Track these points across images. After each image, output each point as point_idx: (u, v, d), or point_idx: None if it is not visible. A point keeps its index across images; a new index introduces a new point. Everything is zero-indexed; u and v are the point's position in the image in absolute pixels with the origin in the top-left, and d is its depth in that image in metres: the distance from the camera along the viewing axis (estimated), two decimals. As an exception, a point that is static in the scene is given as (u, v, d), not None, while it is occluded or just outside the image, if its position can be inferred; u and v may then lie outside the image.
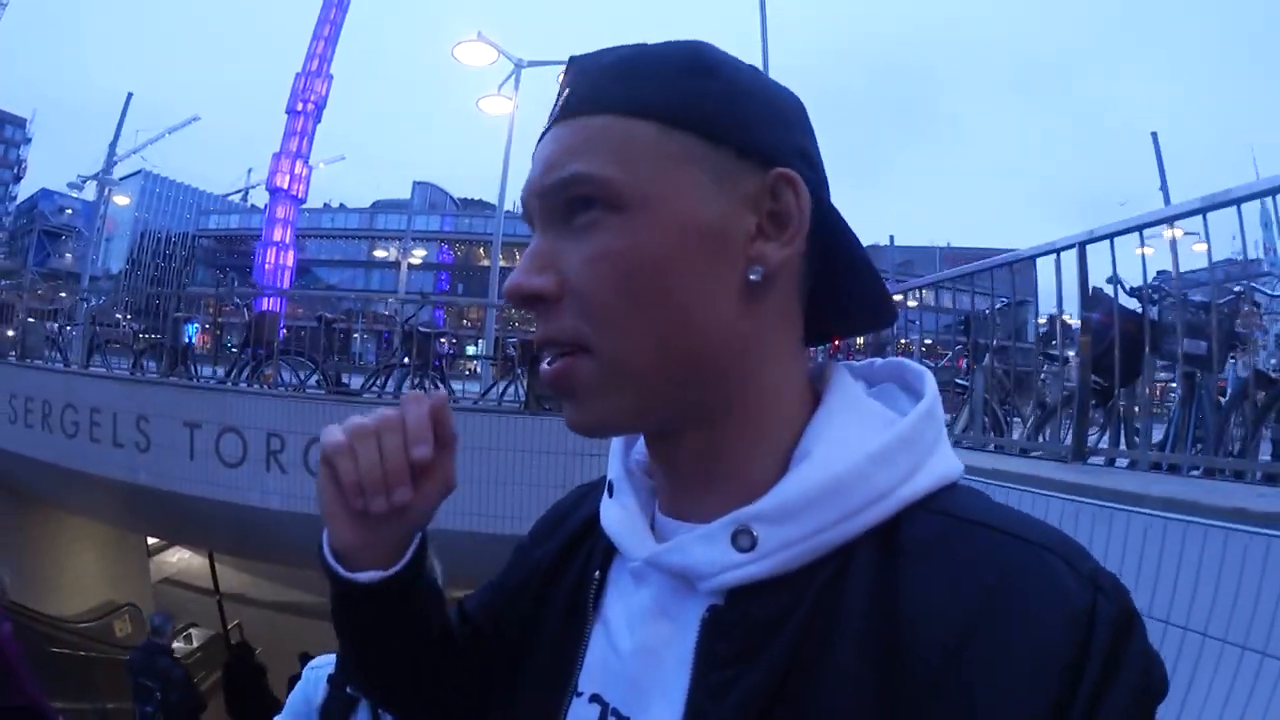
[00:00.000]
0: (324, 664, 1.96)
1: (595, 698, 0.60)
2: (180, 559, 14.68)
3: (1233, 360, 4.12)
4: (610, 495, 0.66)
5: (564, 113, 0.58)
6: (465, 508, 6.18)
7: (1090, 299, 3.99)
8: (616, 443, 0.69)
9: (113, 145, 32.26)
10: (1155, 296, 4.20)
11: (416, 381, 7.48)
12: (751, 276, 0.55)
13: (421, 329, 7.83)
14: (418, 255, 53.57)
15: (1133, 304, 4.16)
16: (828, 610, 0.50)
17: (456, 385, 8.85)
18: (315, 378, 7.65)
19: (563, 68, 0.62)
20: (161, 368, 8.30)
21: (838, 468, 0.52)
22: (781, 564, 0.52)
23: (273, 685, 9.25)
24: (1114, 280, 4.17)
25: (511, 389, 7.39)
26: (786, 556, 0.52)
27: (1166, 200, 23.88)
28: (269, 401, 7.04)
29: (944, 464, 0.55)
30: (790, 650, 0.50)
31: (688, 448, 0.59)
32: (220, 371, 8.47)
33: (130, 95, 31.56)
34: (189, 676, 7.33)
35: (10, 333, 10.77)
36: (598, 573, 0.65)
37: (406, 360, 7.64)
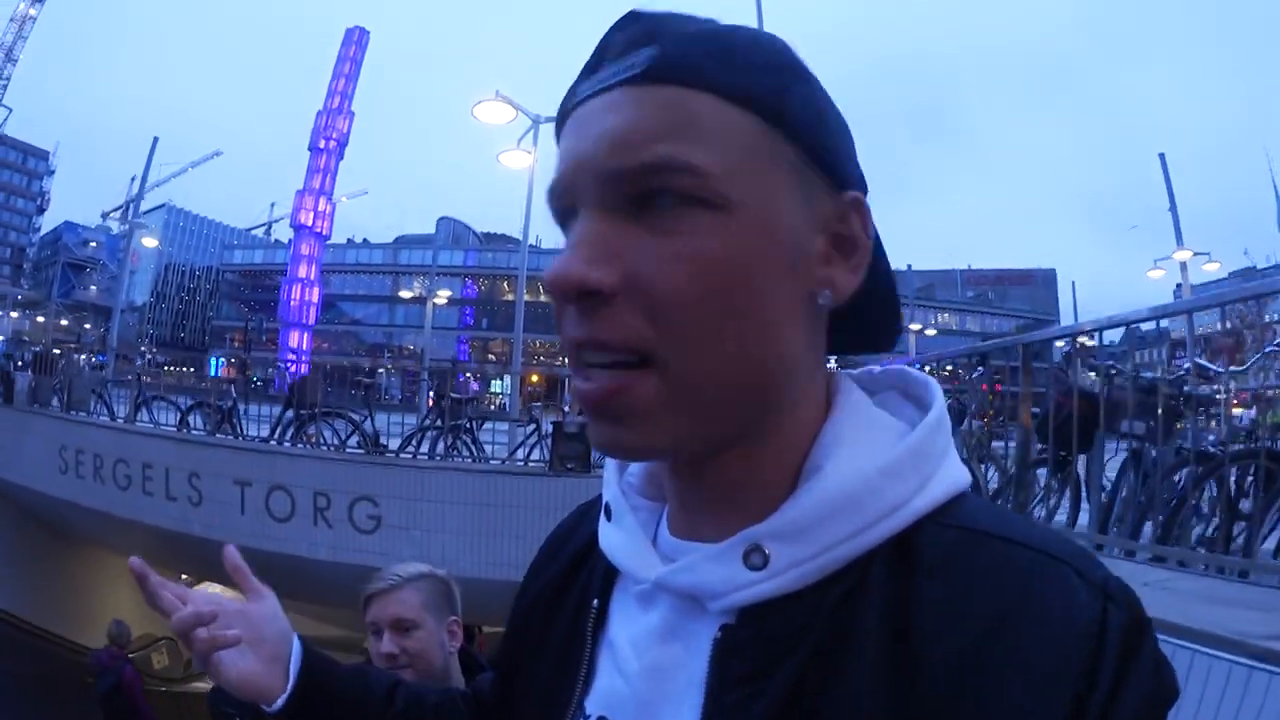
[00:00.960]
0: None
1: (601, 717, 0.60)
2: (214, 593, 14.92)
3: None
4: (609, 519, 0.65)
5: (645, 76, 0.51)
6: (497, 558, 6.78)
7: (1052, 377, 4.53)
8: (611, 463, 0.67)
9: (140, 192, 33.09)
10: (1112, 373, 4.68)
11: (450, 443, 8.07)
12: (820, 300, 0.54)
13: (454, 395, 8.42)
14: (443, 295, 54.05)
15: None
16: (841, 626, 0.50)
17: (485, 432, 9.39)
18: (355, 437, 8.24)
19: (617, 19, 0.54)
20: (209, 426, 8.92)
21: (849, 483, 0.52)
22: (794, 581, 0.51)
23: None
24: (1072, 363, 4.67)
25: (535, 450, 7.94)
26: (799, 574, 0.51)
27: (1175, 222, 24.22)
28: (315, 463, 7.66)
29: (953, 474, 0.54)
30: (804, 668, 0.50)
31: (717, 471, 0.56)
32: (251, 407, 9.14)
33: (156, 140, 32.27)
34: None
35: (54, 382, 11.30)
36: (596, 600, 0.64)
37: (440, 423, 8.25)
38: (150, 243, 57.95)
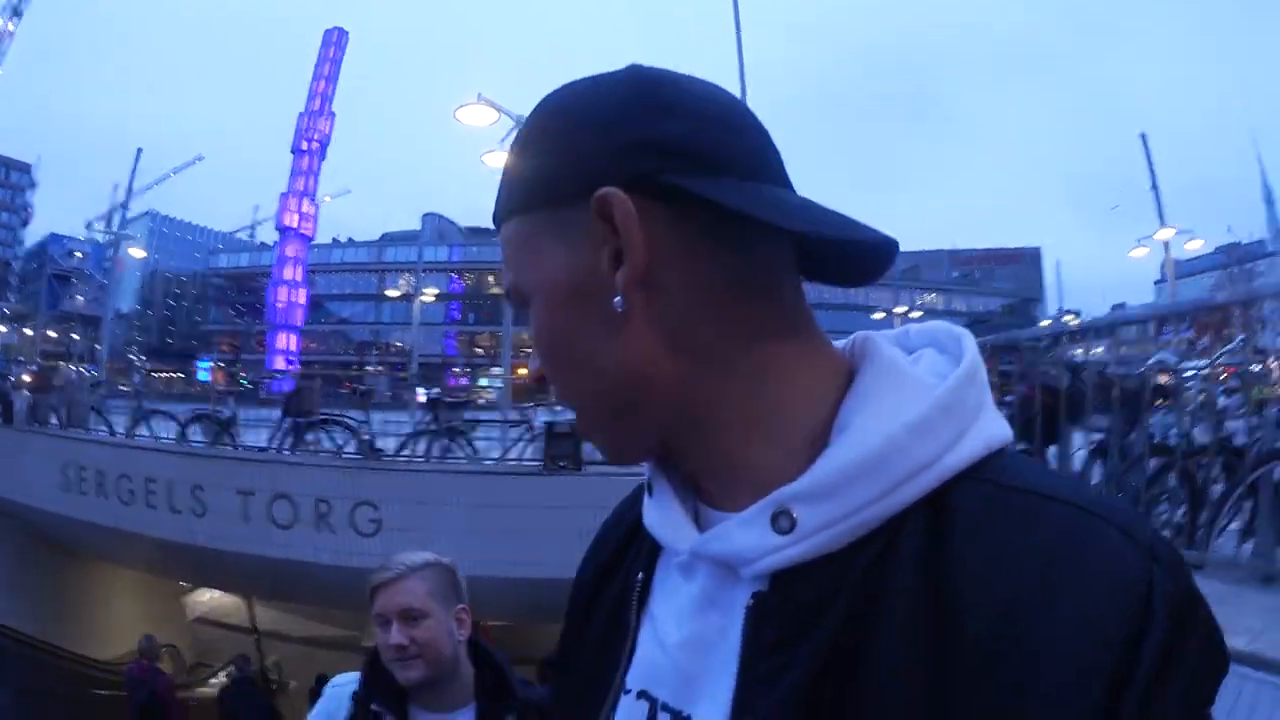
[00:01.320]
0: (345, 682, 1.99)
1: (643, 694, 0.61)
2: (210, 598, 15.27)
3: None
4: (650, 495, 0.66)
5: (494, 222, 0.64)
6: (495, 556, 6.98)
7: (1020, 374, 4.77)
8: None
9: (125, 200, 33.11)
10: (1076, 367, 4.92)
11: (445, 445, 8.31)
12: (616, 308, 0.55)
13: (448, 399, 8.66)
14: (430, 293, 53.64)
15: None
16: (874, 589, 0.50)
17: (476, 425, 9.60)
18: (353, 443, 8.47)
19: None
20: (209, 437, 9.14)
21: (873, 441, 0.52)
22: (823, 544, 0.52)
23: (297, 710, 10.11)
24: (1039, 359, 4.90)
25: (529, 449, 8.19)
26: (828, 536, 0.51)
27: (1158, 201, 24.58)
28: (315, 470, 7.90)
29: (990, 428, 0.54)
30: (837, 633, 0.50)
31: (695, 456, 0.60)
32: (248, 413, 9.36)
33: (140, 151, 32.33)
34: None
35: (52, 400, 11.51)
36: (641, 574, 0.66)
37: (435, 425, 8.48)
38: (137, 253, 57.87)
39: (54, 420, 11.05)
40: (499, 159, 14.59)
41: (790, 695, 0.50)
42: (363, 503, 7.63)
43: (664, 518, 0.63)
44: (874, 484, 0.51)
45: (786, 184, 0.59)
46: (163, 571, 11.44)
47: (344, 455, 8.43)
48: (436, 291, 66.76)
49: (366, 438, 8.50)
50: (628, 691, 0.62)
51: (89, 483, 9.39)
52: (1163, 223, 23.55)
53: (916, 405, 0.53)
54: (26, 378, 13.09)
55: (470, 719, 1.86)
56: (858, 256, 0.61)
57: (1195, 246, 28.52)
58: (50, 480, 9.75)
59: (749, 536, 0.54)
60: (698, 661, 0.58)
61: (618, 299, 0.55)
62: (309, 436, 8.61)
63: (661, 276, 0.55)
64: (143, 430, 10.09)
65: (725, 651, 0.56)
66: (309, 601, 11.40)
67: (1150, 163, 25.26)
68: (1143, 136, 26.35)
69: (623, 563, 0.71)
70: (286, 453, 8.56)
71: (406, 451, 8.43)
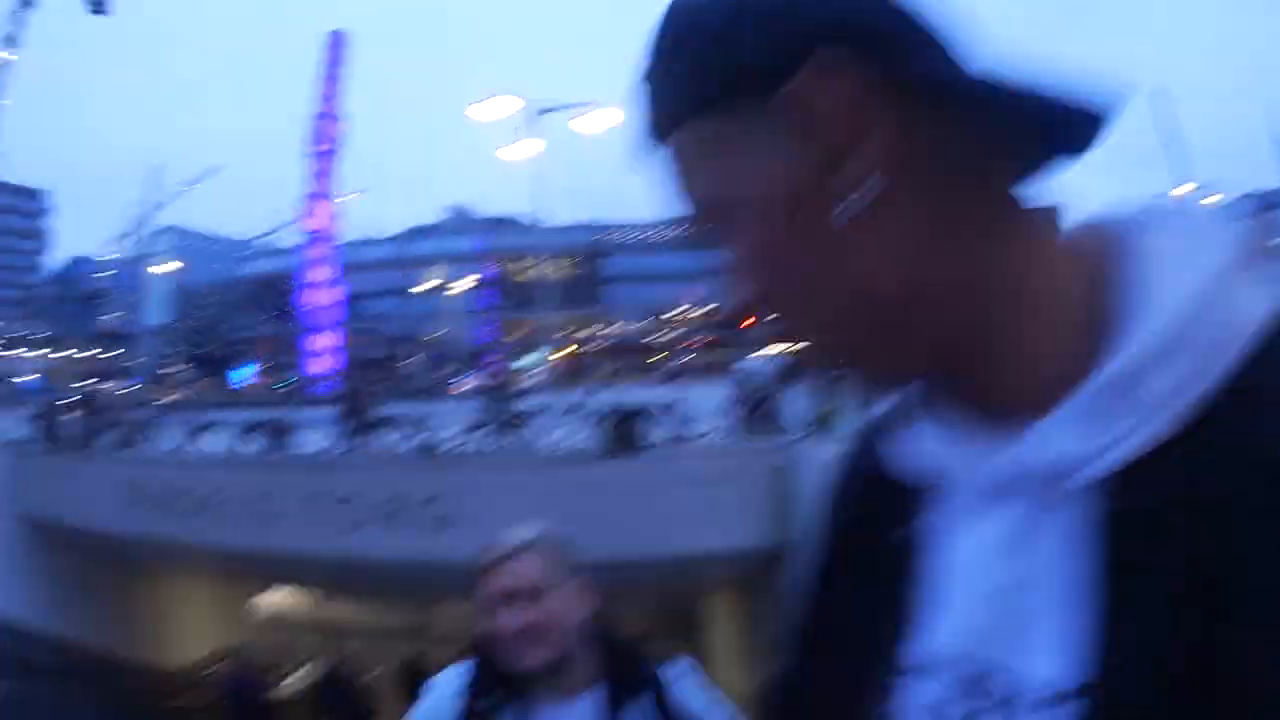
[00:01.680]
0: (447, 680, 1.82)
1: (938, 665, 0.51)
2: (275, 599, 15.52)
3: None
4: (909, 428, 0.56)
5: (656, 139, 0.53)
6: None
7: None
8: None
9: (147, 216, 33.91)
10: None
11: (503, 435, 8.54)
12: (838, 223, 0.47)
13: (495, 384, 8.86)
14: (466, 282, 53.04)
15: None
16: (1227, 479, 0.40)
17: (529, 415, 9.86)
18: (411, 440, 8.75)
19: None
20: (269, 445, 9.46)
21: (1198, 283, 0.44)
22: (1165, 426, 0.42)
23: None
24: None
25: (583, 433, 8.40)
26: (1169, 416, 0.42)
27: (1177, 157, 24.45)
28: (378, 472, 8.19)
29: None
30: (1199, 539, 0.41)
31: (978, 364, 0.50)
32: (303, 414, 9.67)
33: (162, 167, 33.14)
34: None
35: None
36: (905, 530, 0.55)
37: (492, 417, 8.72)
38: (166, 268, 58.98)
39: (108, 442, 11.46)
40: (515, 151, 15.07)
41: (1158, 619, 0.41)
42: (428, 499, 7.89)
43: (946, 446, 0.53)
44: (1206, 336, 0.43)
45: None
46: (233, 577, 11.84)
47: (404, 453, 8.70)
48: (476, 278, 66.98)
49: (425, 434, 8.73)
50: (915, 667, 0.52)
51: (155, 499, 9.70)
52: (1183, 180, 23.38)
53: (1224, 249, 0.45)
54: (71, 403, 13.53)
55: (597, 704, 1.67)
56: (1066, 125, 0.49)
57: (1216, 200, 28.28)
58: (115, 500, 10.03)
59: (1073, 435, 0.45)
60: (1022, 606, 0.47)
61: (841, 212, 0.46)
62: (369, 437, 8.87)
63: (897, 163, 0.46)
64: (201, 443, 10.42)
65: (1054, 587, 0.46)
66: (379, 596, 11.81)
67: (1168, 118, 24.99)
68: (1160, 93, 25.98)
69: (872, 520, 0.58)
70: (349, 455, 8.83)
71: (465, 445, 8.66)
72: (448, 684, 1.78)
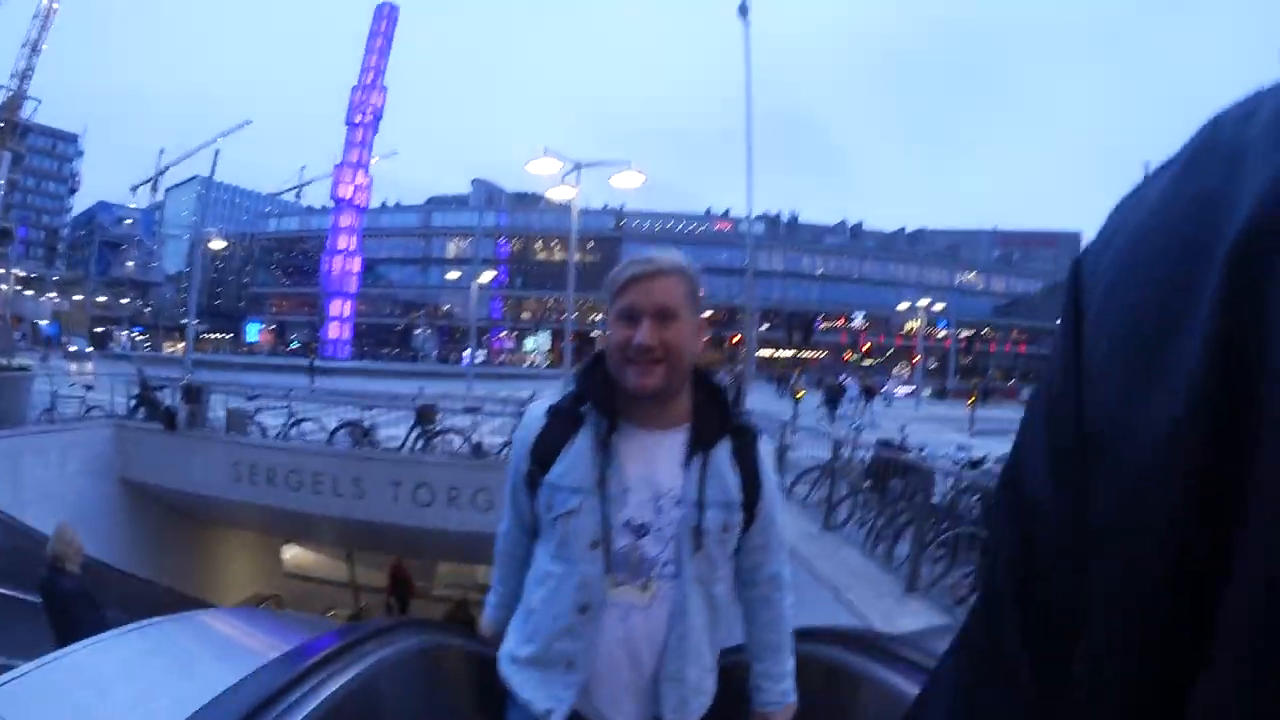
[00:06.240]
0: (548, 399, 1.89)
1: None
2: (294, 554, 18.38)
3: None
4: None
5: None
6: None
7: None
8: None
9: (165, 166, 36.54)
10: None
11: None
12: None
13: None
14: (486, 276, 53.12)
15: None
16: None
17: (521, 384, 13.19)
18: (466, 446, 12.39)
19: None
20: (356, 441, 12.94)
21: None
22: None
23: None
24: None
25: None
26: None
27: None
28: (445, 467, 11.93)
29: None
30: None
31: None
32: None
33: (193, 116, 35.71)
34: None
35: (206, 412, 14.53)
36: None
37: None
38: (189, 217, 60.21)
39: (211, 425, 14.34)
40: (562, 193, 18.38)
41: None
42: (480, 489, 11.48)
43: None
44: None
45: None
46: (331, 542, 15.59)
47: (460, 452, 12.36)
48: (493, 274, 68.37)
49: (477, 440, 12.30)
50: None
51: (260, 475, 12.87)
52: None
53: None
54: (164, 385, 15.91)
55: (684, 439, 1.77)
56: None
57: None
58: (222, 473, 13.09)
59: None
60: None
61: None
62: (435, 442, 12.49)
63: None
64: (295, 433, 13.76)
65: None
66: (444, 556, 15.81)
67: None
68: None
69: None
70: (421, 451, 12.49)
71: (504, 451, 12.13)
72: (542, 404, 1.88)
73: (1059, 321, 0.42)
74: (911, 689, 1.92)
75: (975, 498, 6.73)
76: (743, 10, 16.29)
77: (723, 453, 1.74)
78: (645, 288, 1.69)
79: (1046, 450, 0.40)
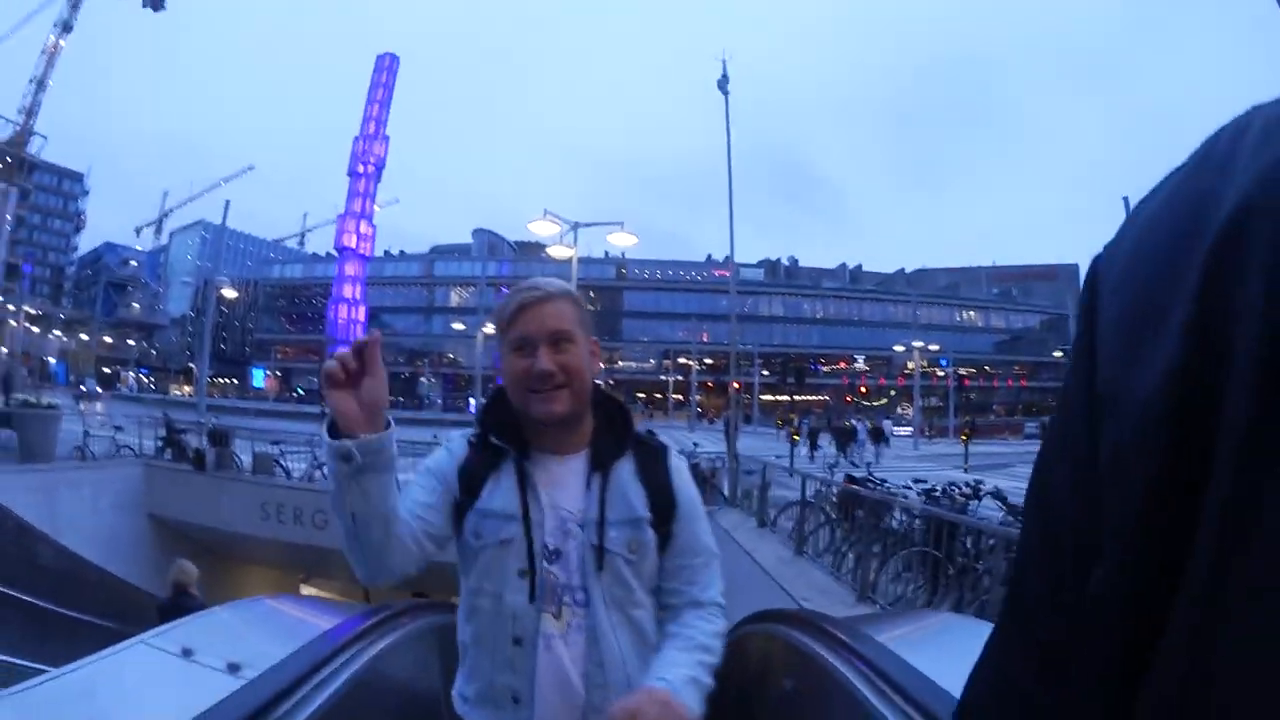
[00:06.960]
0: (460, 435, 1.84)
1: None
2: (312, 592, 18.39)
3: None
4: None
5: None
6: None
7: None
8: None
9: (170, 209, 37.30)
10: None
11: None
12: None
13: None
14: (488, 329, 53.61)
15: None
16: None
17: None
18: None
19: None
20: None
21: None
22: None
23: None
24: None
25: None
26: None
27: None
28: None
29: None
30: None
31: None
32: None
33: (197, 161, 36.61)
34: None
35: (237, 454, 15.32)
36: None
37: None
38: (193, 261, 59.58)
39: (237, 465, 15.26)
40: (560, 251, 19.26)
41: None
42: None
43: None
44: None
45: None
46: (351, 578, 15.98)
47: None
48: (491, 331, 68.54)
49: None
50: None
51: (286, 514, 13.66)
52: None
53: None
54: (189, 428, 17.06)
55: (585, 462, 1.75)
56: None
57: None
58: (250, 513, 13.83)
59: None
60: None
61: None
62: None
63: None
64: (318, 475, 14.41)
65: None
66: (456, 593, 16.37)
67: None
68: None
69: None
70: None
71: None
72: (460, 437, 1.82)
73: (1079, 305, 0.50)
74: (817, 648, 2.17)
75: (922, 522, 7.62)
76: (722, 85, 17.82)
77: (625, 471, 1.73)
78: (536, 315, 1.68)
79: (1068, 460, 0.47)
